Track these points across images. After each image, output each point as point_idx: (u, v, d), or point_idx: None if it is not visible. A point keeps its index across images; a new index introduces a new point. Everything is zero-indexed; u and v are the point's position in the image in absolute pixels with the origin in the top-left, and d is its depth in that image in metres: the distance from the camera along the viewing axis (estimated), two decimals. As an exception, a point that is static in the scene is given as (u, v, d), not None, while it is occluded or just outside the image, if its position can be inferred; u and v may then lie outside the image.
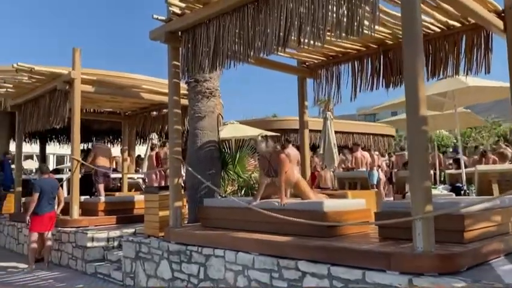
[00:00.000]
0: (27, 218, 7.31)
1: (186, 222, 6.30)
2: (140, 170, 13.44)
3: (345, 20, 3.86)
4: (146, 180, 12.23)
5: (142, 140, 16.82)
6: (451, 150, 13.08)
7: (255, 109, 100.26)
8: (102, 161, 8.96)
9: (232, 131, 11.74)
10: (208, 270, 4.77)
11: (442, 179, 10.85)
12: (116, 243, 7.14)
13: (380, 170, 13.87)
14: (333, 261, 3.64)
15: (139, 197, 8.86)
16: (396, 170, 12.60)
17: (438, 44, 5.85)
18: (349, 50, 6.74)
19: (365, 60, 6.66)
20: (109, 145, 15.86)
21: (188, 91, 7.13)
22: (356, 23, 3.76)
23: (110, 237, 7.12)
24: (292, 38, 4.29)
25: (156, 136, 12.92)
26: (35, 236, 7.30)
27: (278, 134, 13.06)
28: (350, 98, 6.68)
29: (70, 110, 7.81)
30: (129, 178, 12.05)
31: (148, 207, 6.07)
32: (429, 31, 5.86)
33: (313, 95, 7.42)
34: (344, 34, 3.85)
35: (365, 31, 3.86)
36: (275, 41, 4.36)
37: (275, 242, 4.20)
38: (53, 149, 21.68)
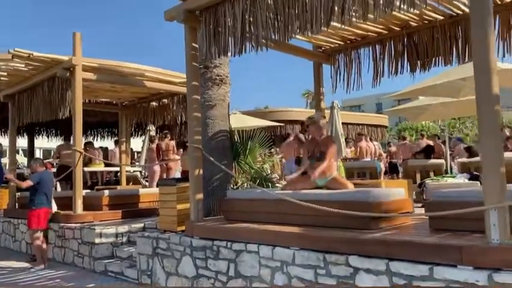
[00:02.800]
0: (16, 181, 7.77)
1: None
2: (138, 163, 12.98)
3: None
4: (146, 173, 11.81)
5: (135, 133, 16.27)
6: (455, 139, 12.93)
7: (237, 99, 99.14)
8: (66, 156, 9.62)
9: (234, 121, 11.33)
10: (239, 266, 4.43)
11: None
12: (125, 239, 6.74)
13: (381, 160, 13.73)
14: (390, 255, 3.34)
15: (143, 191, 8.48)
16: (399, 160, 12.39)
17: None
18: (370, 33, 6.43)
19: (387, 44, 6.36)
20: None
21: (198, 78, 6.75)
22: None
23: (119, 233, 6.70)
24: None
25: (153, 128, 12.49)
26: (36, 232, 6.82)
27: (281, 125, 12.76)
28: (371, 85, 6.42)
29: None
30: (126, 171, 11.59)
31: (163, 201, 5.68)
32: (459, 12, 5.59)
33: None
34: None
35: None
36: (318, 20, 3.99)
37: (319, 236, 3.87)
38: (40, 143, 20.93)
